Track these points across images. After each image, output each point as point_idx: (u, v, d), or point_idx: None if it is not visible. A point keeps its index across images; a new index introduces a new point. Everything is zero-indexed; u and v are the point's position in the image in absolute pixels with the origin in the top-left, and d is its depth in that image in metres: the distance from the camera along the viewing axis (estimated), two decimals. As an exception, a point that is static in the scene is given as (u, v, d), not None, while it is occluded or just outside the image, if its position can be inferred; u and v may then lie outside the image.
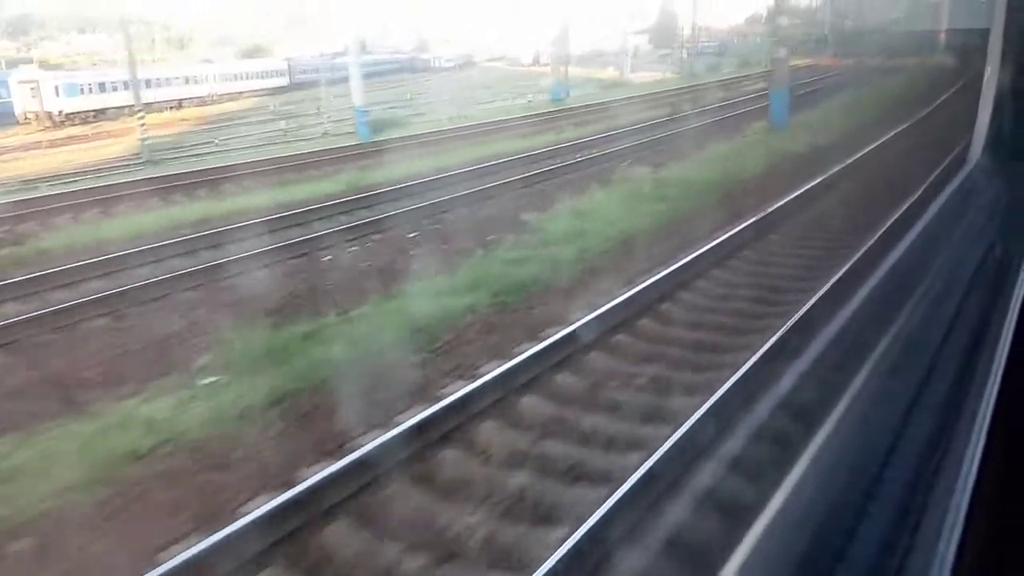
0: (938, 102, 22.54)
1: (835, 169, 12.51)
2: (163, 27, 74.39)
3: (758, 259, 9.19)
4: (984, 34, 5.84)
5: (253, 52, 62.82)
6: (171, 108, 41.02)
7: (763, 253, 9.41)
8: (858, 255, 8.03)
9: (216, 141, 28.54)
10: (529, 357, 6.33)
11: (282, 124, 32.25)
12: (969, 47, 23.41)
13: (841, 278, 7.63)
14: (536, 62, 66.11)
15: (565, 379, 6.23)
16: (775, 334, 6.45)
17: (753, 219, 10.11)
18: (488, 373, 6.07)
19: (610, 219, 10.49)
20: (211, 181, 15.52)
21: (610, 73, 56.65)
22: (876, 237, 8.57)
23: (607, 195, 11.91)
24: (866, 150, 14.35)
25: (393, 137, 21.67)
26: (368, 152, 18.68)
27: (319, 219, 11.29)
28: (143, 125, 22.45)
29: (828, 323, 2.95)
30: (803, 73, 36.18)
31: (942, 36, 31.72)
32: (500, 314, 7.44)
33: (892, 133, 16.19)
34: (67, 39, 68.39)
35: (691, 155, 14.91)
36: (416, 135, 21.96)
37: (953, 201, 4.25)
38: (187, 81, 41.73)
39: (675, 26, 77.10)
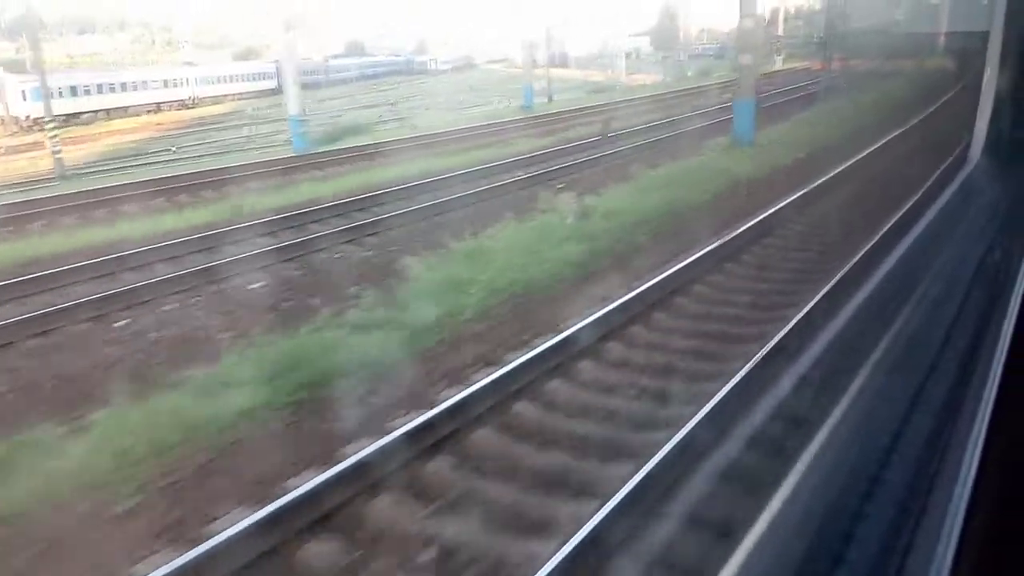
0: (934, 107, 20.41)
1: (793, 196, 10.34)
2: (163, 29, 72.69)
3: (675, 325, 7.05)
4: (983, 37, 5.36)
5: (247, 54, 60.98)
6: (149, 112, 39.21)
7: (684, 316, 7.26)
8: (813, 302, 6.04)
9: (173, 149, 26.77)
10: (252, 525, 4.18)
11: (246, 131, 30.40)
12: (968, 50, 21.80)
13: (792, 330, 5.78)
14: (533, 64, 64.93)
15: None
16: (646, 468, 4.34)
17: (679, 266, 7.99)
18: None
19: (508, 264, 8.37)
20: (97, 204, 13.45)
21: (608, 75, 54.81)
22: (826, 289, 6.51)
23: (519, 231, 9.76)
24: (839, 170, 12.16)
25: (336, 149, 19.57)
26: (297, 167, 16.61)
27: (163, 260, 9.23)
28: (55, 138, 20.53)
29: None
30: (798, 76, 33.91)
31: (941, 39, 30.24)
32: (272, 431, 5.34)
33: (877, 146, 13.95)
34: (67, 41, 67.01)
35: (636, 177, 12.72)
36: (364, 146, 19.89)
37: (953, 202, 3.99)
38: (166, 84, 39.88)
39: (675, 28, 74.86)
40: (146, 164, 22.89)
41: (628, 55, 61.31)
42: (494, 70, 69.88)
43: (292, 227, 10.74)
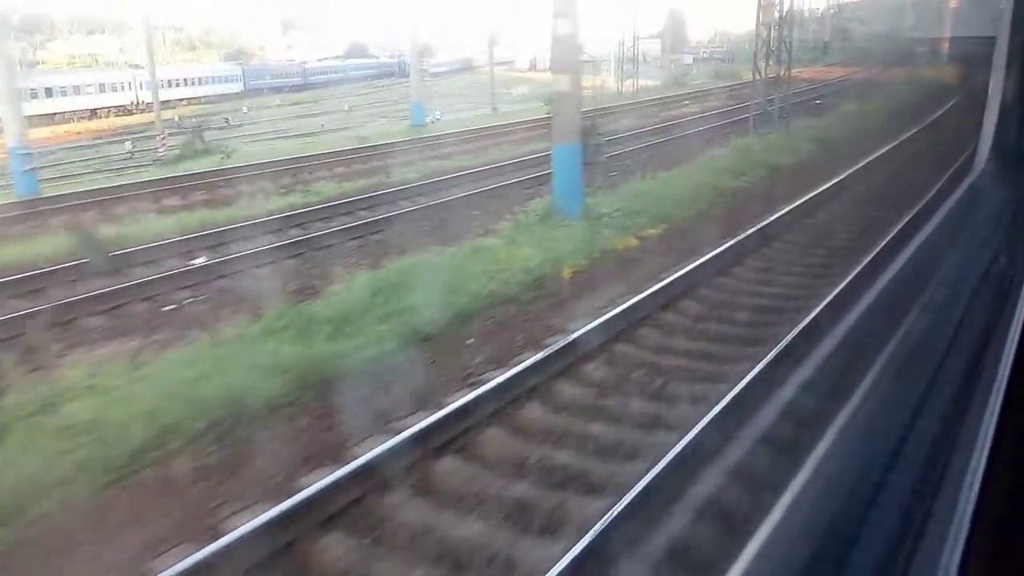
0: (925, 123, 15.43)
1: (558, 345, 4.61)
2: (172, 28, 67.57)
3: None
4: (988, 42, 4.62)
5: (236, 56, 55.82)
6: (83, 118, 34.11)
7: None
8: None
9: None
10: None
11: (128, 145, 25.21)
12: (972, 56, 16.28)
13: None
14: (533, 67, 59.76)
15: None
16: None
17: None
18: None
19: None
20: None
21: (598, 82, 48.77)
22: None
23: None
24: (715, 253, 6.34)
25: (102, 188, 13.95)
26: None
27: None
28: None
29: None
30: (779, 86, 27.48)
31: (945, 45, 24.72)
32: None
33: (797, 204, 8.06)
34: (75, 40, 62.80)
35: (341, 279, 6.82)
36: (157, 180, 14.44)
37: (958, 210, 3.54)
38: (103, 88, 34.71)
39: (683, 31, 67.64)
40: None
41: (634, 59, 54.65)
42: (491, 72, 63.42)
43: None
